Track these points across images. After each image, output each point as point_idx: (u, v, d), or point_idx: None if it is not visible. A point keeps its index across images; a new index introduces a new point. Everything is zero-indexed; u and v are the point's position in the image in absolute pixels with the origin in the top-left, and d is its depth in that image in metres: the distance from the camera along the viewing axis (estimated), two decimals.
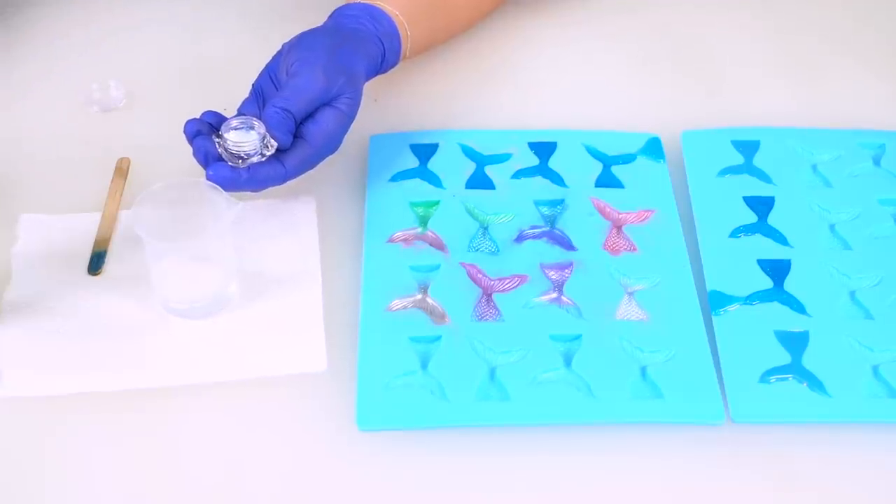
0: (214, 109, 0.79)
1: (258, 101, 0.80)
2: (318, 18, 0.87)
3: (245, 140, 0.75)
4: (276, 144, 0.75)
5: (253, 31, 0.98)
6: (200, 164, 0.76)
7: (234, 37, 0.98)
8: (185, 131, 0.76)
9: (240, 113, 0.79)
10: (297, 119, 0.76)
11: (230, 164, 0.75)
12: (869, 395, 0.72)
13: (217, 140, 0.76)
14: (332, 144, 0.78)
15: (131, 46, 0.97)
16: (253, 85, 0.81)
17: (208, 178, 0.74)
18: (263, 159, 0.75)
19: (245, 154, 0.75)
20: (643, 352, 0.74)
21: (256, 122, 0.75)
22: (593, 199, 0.84)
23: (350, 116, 0.79)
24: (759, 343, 0.74)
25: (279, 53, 0.81)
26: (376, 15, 0.84)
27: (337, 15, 0.85)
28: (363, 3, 0.85)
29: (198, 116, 0.78)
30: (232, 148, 0.75)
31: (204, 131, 0.76)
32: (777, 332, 0.75)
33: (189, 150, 0.77)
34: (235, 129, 0.75)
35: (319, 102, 0.77)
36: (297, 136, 0.77)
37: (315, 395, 0.72)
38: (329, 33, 0.82)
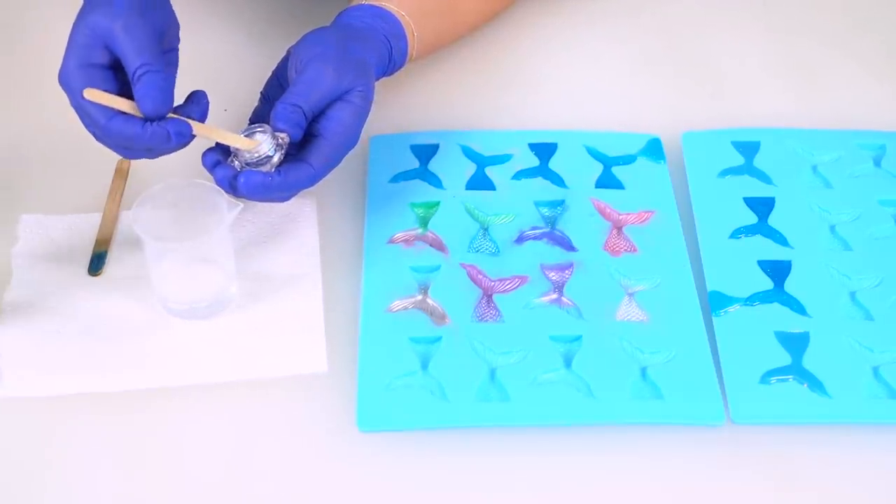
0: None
1: (269, 107, 0.79)
2: (317, 16, 0.87)
3: (258, 145, 0.74)
4: (287, 138, 0.75)
5: (251, 31, 0.98)
6: (227, 191, 0.74)
7: (233, 37, 0.98)
8: (204, 164, 0.75)
9: (252, 122, 0.79)
10: (307, 113, 0.75)
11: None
12: (869, 395, 0.72)
13: (234, 162, 0.75)
14: (350, 138, 0.77)
15: None
16: (261, 92, 0.81)
17: (241, 186, 0.73)
18: (282, 156, 0.74)
19: (265, 156, 0.74)
20: (643, 352, 0.74)
21: (260, 126, 0.75)
22: (594, 199, 0.84)
23: (364, 109, 0.77)
24: (760, 344, 0.74)
25: (285, 57, 0.81)
26: (384, 16, 0.84)
27: (343, 15, 0.84)
28: (370, 4, 0.84)
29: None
30: (249, 158, 0.74)
31: (222, 160, 0.75)
32: (777, 332, 0.75)
33: (190, 151, 0.77)
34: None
35: (331, 97, 0.76)
36: (315, 135, 0.76)
37: (315, 396, 0.72)
38: (337, 31, 0.81)
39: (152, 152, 0.73)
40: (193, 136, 0.73)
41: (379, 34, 0.83)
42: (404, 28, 0.85)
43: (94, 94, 0.70)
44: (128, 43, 0.70)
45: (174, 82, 0.73)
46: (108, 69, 0.72)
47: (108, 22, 0.70)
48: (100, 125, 0.71)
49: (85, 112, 0.71)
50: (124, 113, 0.71)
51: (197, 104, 0.74)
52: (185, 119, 0.72)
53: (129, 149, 0.73)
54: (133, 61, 0.70)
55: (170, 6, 0.75)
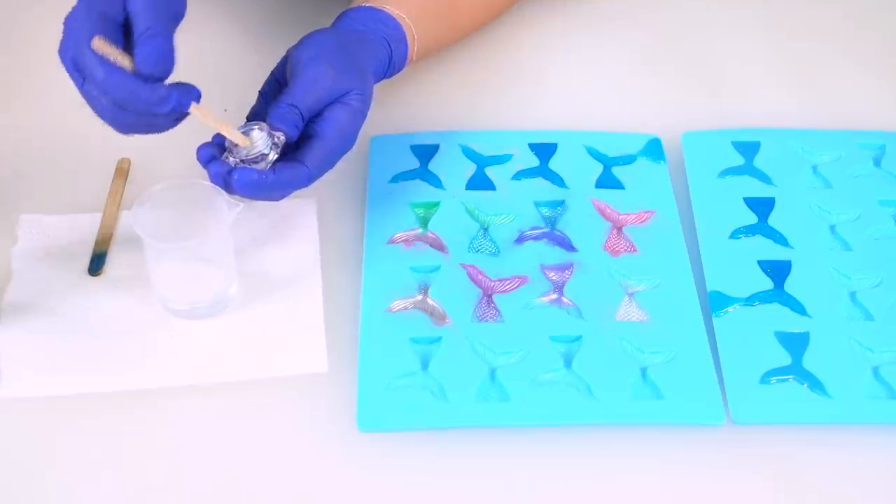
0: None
1: (267, 106, 0.80)
2: (317, 17, 0.87)
3: (253, 142, 0.74)
4: (283, 137, 0.75)
5: (251, 31, 0.98)
6: (221, 186, 0.74)
7: (233, 37, 0.98)
8: (198, 158, 0.75)
9: (249, 119, 0.79)
10: (303, 114, 0.75)
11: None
12: (869, 396, 0.72)
13: (229, 158, 0.75)
14: (346, 140, 0.77)
15: None
16: (260, 91, 0.81)
17: (234, 182, 0.73)
18: (277, 154, 0.74)
19: (259, 155, 0.74)
20: (643, 353, 0.74)
21: (257, 124, 0.75)
22: (594, 200, 0.84)
23: (361, 112, 0.77)
24: (760, 344, 0.74)
25: (284, 58, 0.81)
26: (383, 19, 0.83)
27: (343, 18, 0.84)
28: (369, 7, 0.84)
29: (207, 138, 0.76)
30: (244, 154, 0.74)
31: (217, 155, 0.75)
32: (777, 332, 0.75)
33: (190, 150, 0.77)
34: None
35: (328, 99, 0.76)
36: (311, 135, 0.76)
37: (316, 396, 0.72)
38: (336, 33, 0.81)
39: (146, 119, 0.71)
40: (187, 113, 0.71)
41: (379, 37, 0.82)
42: (405, 31, 0.85)
43: (100, 45, 0.68)
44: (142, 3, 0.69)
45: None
46: (120, 26, 0.69)
47: None
48: (97, 79, 0.68)
49: (83, 63, 0.69)
50: (123, 70, 0.68)
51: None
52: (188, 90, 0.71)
53: (124, 111, 0.70)
54: (142, 22, 0.68)
55: None
